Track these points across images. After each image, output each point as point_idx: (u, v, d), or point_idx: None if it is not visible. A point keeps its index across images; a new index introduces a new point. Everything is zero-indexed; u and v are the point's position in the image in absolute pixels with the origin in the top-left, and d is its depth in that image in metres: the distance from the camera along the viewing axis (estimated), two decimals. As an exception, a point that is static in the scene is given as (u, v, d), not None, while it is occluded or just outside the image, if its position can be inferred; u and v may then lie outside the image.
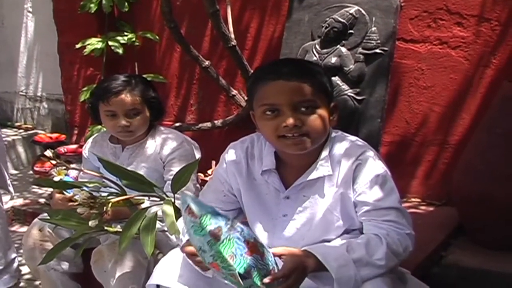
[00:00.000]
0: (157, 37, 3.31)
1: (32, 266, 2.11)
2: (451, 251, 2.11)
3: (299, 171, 1.55)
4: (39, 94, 4.73)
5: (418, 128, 2.68)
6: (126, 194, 1.85)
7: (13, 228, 3.02)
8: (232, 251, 1.27)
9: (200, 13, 3.02)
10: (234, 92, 3.01)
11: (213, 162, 2.66)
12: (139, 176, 1.87)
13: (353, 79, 2.36)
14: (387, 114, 2.46)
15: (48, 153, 1.89)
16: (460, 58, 2.55)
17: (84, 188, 1.78)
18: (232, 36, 2.74)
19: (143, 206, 1.89)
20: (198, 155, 2.24)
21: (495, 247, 2.07)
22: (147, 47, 3.42)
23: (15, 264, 2.44)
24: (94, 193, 1.78)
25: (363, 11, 2.36)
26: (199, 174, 2.52)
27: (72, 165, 2.04)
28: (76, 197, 1.74)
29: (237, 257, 1.27)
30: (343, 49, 2.39)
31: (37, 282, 2.46)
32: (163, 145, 2.16)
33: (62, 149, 3.56)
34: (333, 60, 2.39)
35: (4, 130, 2.66)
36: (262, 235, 1.58)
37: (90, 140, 2.30)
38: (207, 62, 2.94)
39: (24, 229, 2.98)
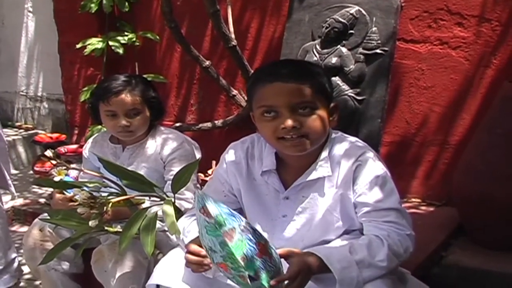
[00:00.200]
0: (157, 37, 3.31)
1: (33, 266, 2.11)
2: (451, 251, 2.11)
3: (298, 172, 1.55)
4: (39, 94, 4.73)
5: (418, 128, 2.68)
6: (126, 194, 1.85)
7: (13, 228, 3.02)
8: (244, 252, 1.27)
9: (200, 13, 3.02)
10: (235, 92, 3.01)
11: (214, 162, 2.66)
12: (139, 176, 1.87)
13: (354, 79, 2.36)
14: (387, 114, 2.46)
15: (49, 153, 1.89)
16: (461, 58, 2.55)
17: (85, 188, 1.78)
18: (233, 36, 2.74)
19: (143, 206, 1.89)
20: (198, 155, 2.24)
21: (496, 247, 2.06)
22: (147, 47, 3.42)
23: (15, 264, 2.44)
24: (94, 193, 1.78)
25: (363, 11, 2.36)
26: (200, 174, 2.52)
27: (72, 165, 2.04)
28: (76, 197, 1.74)
29: (248, 258, 1.27)
30: (344, 49, 2.39)
31: (37, 282, 2.46)
32: (164, 145, 2.16)
33: (62, 149, 3.57)
34: (334, 60, 2.39)
35: (4, 130, 2.65)
36: (262, 236, 1.58)
37: (90, 140, 2.30)
38: (207, 62, 2.94)
39: (24, 229, 2.98)
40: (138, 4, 3.40)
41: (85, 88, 3.47)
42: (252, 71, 2.75)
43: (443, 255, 2.09)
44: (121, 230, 1.81)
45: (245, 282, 1.28)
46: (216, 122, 3.14)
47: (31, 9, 4.63)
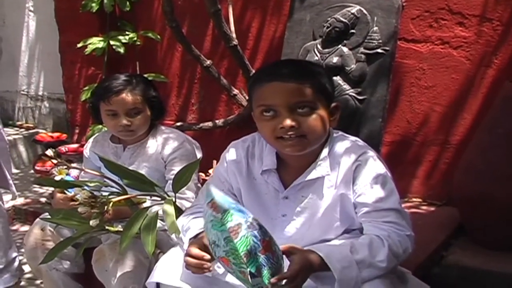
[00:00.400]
0: (158, 36, 3.31)
1: (34, 266, 2.11)
2: (451, 251, 2.11)
3: (298, 171, 1.55)
4: (40, 93, 4.73)
5: (419, 128, 2.68)
6: (127, 194, 1.85)
7: (14, 227, 3.03)
8: (247, 249, 1.26)
9: (201, 13, 3.02)
10: (235, 91, 3.01)
11: (214, 162, 2.66)
12: (140, 175, 1.87)
13: (355, 79, 2.36)
14: (388, 114, 2.45)
15: (49, 152, 1.90)
16: (462, 58, 2.55)
17: (85, 187, 1.79)
18: (234, 35, 2.74)
19: (144, 205, 1.89)
20: (199, 154, 2.24)
21: (496, 247, 2.06)
22: (148, 47, 3.42)
23: (16, 263, 2.44)
24: (95, 193, 1.78)
25: (364, 11, 2.36)
26: (200, 173, 2.52)
27: (73, 165, 2.05)
28: (77, 196, 1.75)
29: (251, 255, 1.27)
30: (345, 49, 2.39)
31: (38, 282, 2.46)
32: (165, 145, 2.16)
33: (63, 148, 3.56)
34: (335, 59, 2.39)
35: (5, 129, 2.66)
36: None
37: (91, 139, 2.30)
38: (208, 62, 2.94)
39: (25, 228, 2.99)
40: (139, 3, 3.40)
41: (86, 88, 3.47)
42: (253, 71, 2.75)
43: (444, 255, 2.09)
44: (122, 229, 1.81)
45: (246, 278, 1.28)
46: (217, 121, 3.14)
47: (32, 9, 4.63)
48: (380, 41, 2.33)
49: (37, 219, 2.09)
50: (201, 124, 3.16)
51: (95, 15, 3.41)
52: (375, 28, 2.34)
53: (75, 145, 3.68)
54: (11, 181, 2.48)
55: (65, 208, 1.95)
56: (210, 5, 2.60)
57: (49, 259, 1.89)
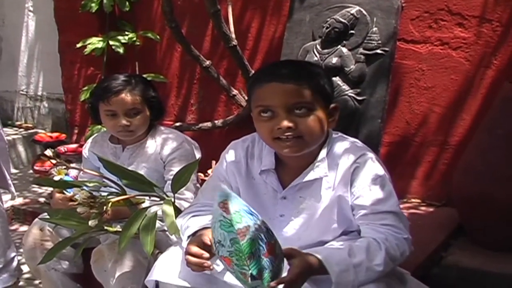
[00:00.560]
0: (158, 36, 3.31)
1: (33, 266, 2.11)
2: (451, 252, 2.11)
3: (297, 172, 1.54)
4: (39, 93, 4.73)
5: (418, 129, 2.68)
6: (126, 194, 1.85)
7: (12, 227, 3.02)
8: (252, 251, 1.27)
9: (201, 13, 3.02)
10: (235, 92, 3.01)
11: (213, 162, 2.66)
12: (139, 175, 1.87)
13: (354, 80, 2.36)
14: (387, 114, 2.45)
15: (48, 152, 1.89)
16: (461, 59, 2.55)
17: (84, 187, 1.78)
18: (233, 36, 2.74)
19: (143, 205, 1.89)
20: (198, 155, 2.24)
21: (495, 248, 2.06)
22: (148, 47, 3.42)
23: (15, 263, 2.44)
24: (94, 193, 1.78)
25: (364, 12, 2.36)
26: (199, 174, 2.51)
27: (72, 165, 2.04)
28: (76, 196, 1.74)
29: (255, 258, 1.27)
30: (344, 50, 2.39)
31: (37, 282, 2.46)
32: (164, 145, 2.16)
33: (62, 148, 3.56)
34: (334, 60, 2.39)
35: (4, 129, 2.65)
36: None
37: (89, 140, 2.30)
38: (207, 62, 2.94)
39: (23, 228, 2.98)
40: (138, 3, 3.40)
41: (85, 88, 3.47)
42: (253, 71, 2.75)
43: (443, 255, 2.09)
44: (120, 229, 1.81)
45: (246, 280, 1.28)
46: (216, 122, 3.14)
47: (31, 9, 4.63)
48: (380, 41, 2.33)
49: (36, 219, 2.09)
50: (200, 125, 3.16)
51: (95, 15, 3.41)
52: (375, 29, 2.34)
53: (74, 145, 3.68)
54: (10, 181, 2.48)
55: (64, 208, 1.95)
56: (210, 6, 2.60)
57: (48, 259, 1.89)
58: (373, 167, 1.50)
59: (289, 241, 1.53)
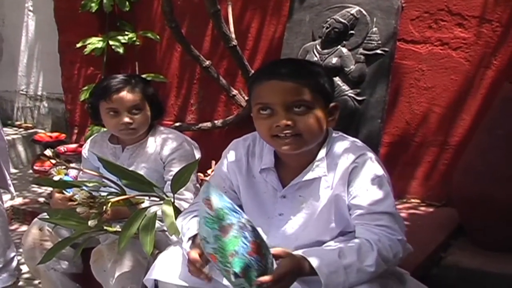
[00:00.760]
0: (158, 36, 3.31)
1: (32, 266, 2.11)
2: (450, 252, 2.11)
3: (296, 171, 1.55)
4: (39, 93, 4.73)
5: (418, 129, 2.68)
6: (125, 194, 1.85)
7: (12, 227, 3.02)
8: (235, 249, 1.27)
9: (201, 13, 3.02)
10: (235, 92, 3.01)
11: (213, 162, 2.66)
12: (138, 176, 1.87)
13: (354, 80, 2.36)
14: (387, 114, 2.45)
15: (48, 152, 1.89)
16: (461, 59, 2.55)
17: (84, 187, 1.78)
18: (233, 36, 2.74)
19: (142, 206, 1.89)
20: (198, 155, 2.24)
21: (495, 248, 2.06)
22: (147, 47, 3.42)
23: (14, 263, 2.44)
24: (93, 193, 1.78)
25: (364, 12, 2.36)
26: (199, 174, 2.52)
27: (72, 165, 2.04)
28: (75, 196, 1.74)
29: (238, 255, 1.27)
30: (344, 50, 2.39)
31: (36, 282, 2.46)
32: (163, 145, 2.15)
33: (62, 148, 3.56)
34: (334, 60, 2.38)
35: (4, 129, 2.65)
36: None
37: (89, 140, 2.30)
38: (207, 62, 2.94)
39: (23, 228, 2.98)
40: (138, 3, 3.40)
41: (85, 88, 3.47)
42: (252, 71, 2.75)
43: (443, 255, 2.09)
44: (120, 229, 1.81)
45: (230, 278, 1.28)
46: (216, 122, 3.14)
47: (31, 8, 4.63)
48: (380, 42, 2.33)
49: (35, 219, 2.09)
50: (200, 125, 3.16)
51: (95, 15, 3.41)
52: (375, 29, 2.34)
53: (74, 145, 3.68)
54: (9, 181, 2.48)
55: (63, 208, 1.95)
56: (210, 6, 2.60)
57: (47, 259, 1.89)
58: (372, 167, 1.50)
59: (287, 240, 1.53)
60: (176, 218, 1.67)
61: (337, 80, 2.36)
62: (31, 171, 3.83)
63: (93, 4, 3.34)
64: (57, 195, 2.05)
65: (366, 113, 2.34)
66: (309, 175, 1.52)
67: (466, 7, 2.52)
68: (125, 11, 3.37)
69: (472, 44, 2.53)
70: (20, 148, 4.35)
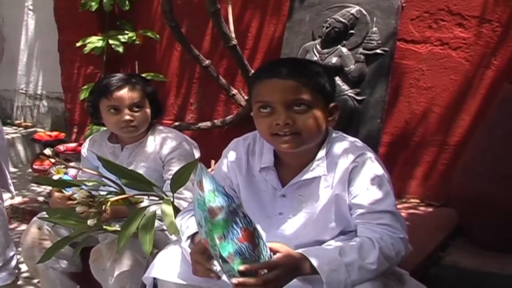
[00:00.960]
0: (157, 36, 3.31)
1: (31, 265, 2.11)
2: (449, 252, 2.11)
3: (296, 170, 1.55)
4: (39, 92, 4.72)
5: (417, 129, 2.68)
6: (125, 193, 1.85)
7: (11, 226, 3.02)
8: (223, 232, 1.26)
9: (201, 12, 3.02)
10: (234, 91, 3.01)
11: (213, 162, 2.65)
12: (138, 175, 1.87)
13: (354, 79, 2.36)
14: (387, 114, 2.45)
15: (48, 151, 1.89)
16: (461, 59, 2.55)
17: (83, 186, 1.78)
18: (233, 35, 2.74)
19: (142, 205, 1.89)
20: (197, 154, 2.24)
21: (494, 248, 2.06)
22: (147, 46, 3.42)
23: (14, 262, 2.44)
24: (93, 192, 1.78)
25: (364, 11, 2.36)
26: (199, 173, 2.51)
27: (71, 164, 2.04)
28: (75, 195, 1.75)
29: (227, 239, 1.26)
30: (344, 49, 2.39)
31: (35, 280, 2.46)
32: (163, 145, 2.15)
33: (61, 147, 3.56)
34: (334, 60, 2.39)
35: (3, 128, 2.65)
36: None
37: (88, 139, 2.30)
38: (207, 61, 2.94)
39: (22, 227, 2.98)
40: (138, 2, 3.40)
41: (85, 87, 3.47)
42: (252, 71, 2.75)
43: (441, 255, 2.09)
44: (119, 229, 1.81)
45: (219, 262, 1.28)
46: (215, 121, 3.14)
47: (31, 7, 4.62)
48: (379, 41, 2.33)
49: (35, 218, 2.09)
50: (200, 124, 3.16)
51: (94, 14, 3.40)
52: (375, 29, 2.34)
53: (74, 144, 3.67)
54: (9, 180, 2.48)
55: (62, 207, 1.95)
56: (210, 5, 2.60)
57: (46, 258, 1.89)
58: (372, 166, 1.50)
59: (287, 239, 1.53)
60: (175, 217, 1.67)
61: (337, 79, 2.36)
62: (30, 170, 3.82)
63: (93, 3, 3.34)
64: (56, 194, 2.05)
65: (366, 112, 2.34)
66: (309, 175, 1.52)
67: (466, 7, 2.52)
68: (125, 10, 3.36)
69: (472, 44, 2.53)
70: (20, 147, 4.35)
